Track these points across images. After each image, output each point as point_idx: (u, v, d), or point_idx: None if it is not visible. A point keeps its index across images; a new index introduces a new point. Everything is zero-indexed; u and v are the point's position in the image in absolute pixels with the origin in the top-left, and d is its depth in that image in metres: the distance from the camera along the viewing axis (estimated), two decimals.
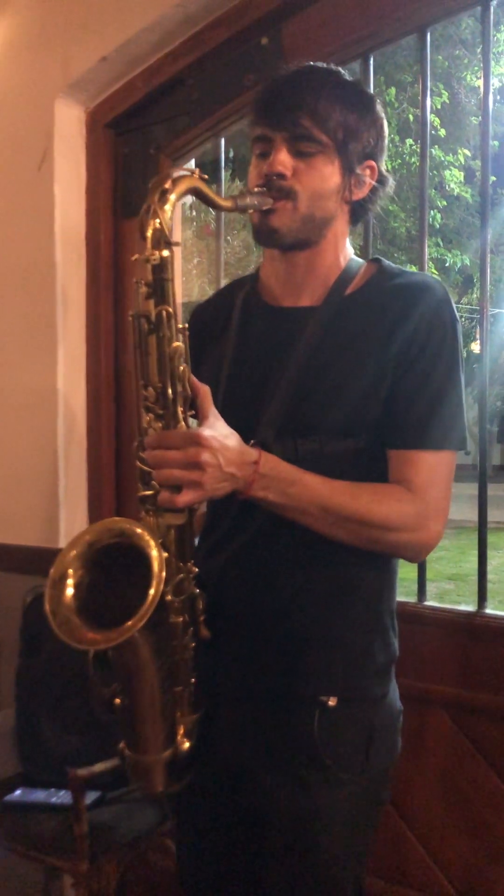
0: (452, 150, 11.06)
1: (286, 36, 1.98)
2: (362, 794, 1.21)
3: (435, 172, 10.96)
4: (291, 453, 1.16)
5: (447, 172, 10.99)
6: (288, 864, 1.19)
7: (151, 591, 1.00)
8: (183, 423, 1.08)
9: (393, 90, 9.94)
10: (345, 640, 1.20)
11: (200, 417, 1.09)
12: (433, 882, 1.79)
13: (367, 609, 1.22)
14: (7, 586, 2.30)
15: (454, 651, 1.77)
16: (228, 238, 8.31)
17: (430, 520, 1.17)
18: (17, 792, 1.95)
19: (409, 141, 10.31)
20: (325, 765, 1.17)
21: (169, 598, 1.10)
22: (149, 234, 1.06)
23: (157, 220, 1.06)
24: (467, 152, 10.97)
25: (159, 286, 1.07)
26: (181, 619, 1.13)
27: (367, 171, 1.24)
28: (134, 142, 2.28)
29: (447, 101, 10.70)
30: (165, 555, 1.10)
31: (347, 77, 1.23)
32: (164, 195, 1.07)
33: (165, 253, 1.06)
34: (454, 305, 1.22)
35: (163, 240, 1.06)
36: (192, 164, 2.38)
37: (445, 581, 8.34)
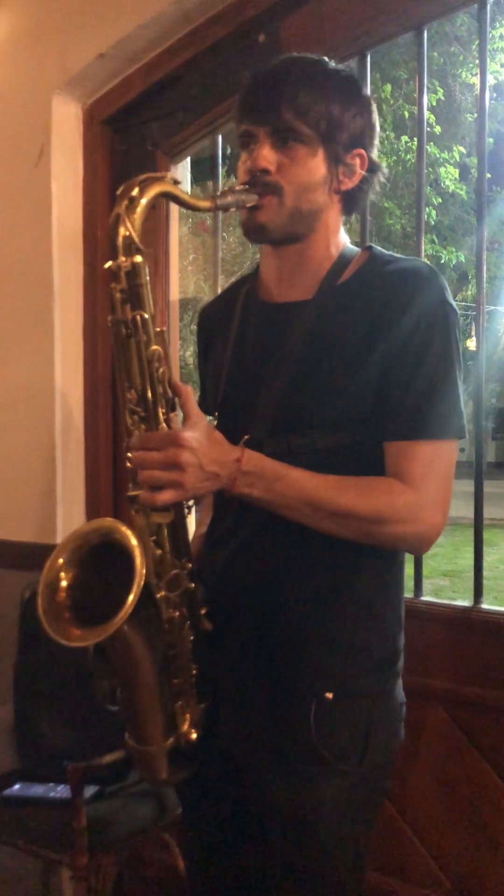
0: (448, 147, 11.07)
1: (283, 33, 1.98)
2: (361, 786, 1.21)
3: (430, 169, 10.97)
4: (285, 449, 1.16)
5: (442, 169, 11.00)
6: (289, 857, 1.20)
7: (132, 590, 1.01)
8: (164, 424, 1.10)
9: (389, 87, 9.94)
10: (341, 635, 1.19)
11: (183, 418, 1.10)
12: (429, 874, 1.80)
13: (365, 605, 1.21)
14: (5, 582, 2.31)
15: (450, 646, 1.78)
16: (224, 235, 8.30)
17: (428, 511, 1.15)
18: (16, 786, 1.96)
19: (405, 138, 10.32)
20: (323, 758, 1.17)
21: (162, 593, 1.12)
22: (119, 241, 1.07)
23: (126, 228, 1.06)
24: (462, 149, 10.97)
25: (134, 292, 1.08)
26: (177, 613, 1.14)
27: (357, 160, 1.21)
28: (131, 138, 2.29)
29: (442, 98, 10.71)
30: (159, 552, 1.12)
31: (332, 66, 1.21)
32: (132, 202, 1.07)
33: (138, 259, 1.07)
34: (447, 290, 1.19)
35: (133, 246, 1.07)
36: (188, 161, 2.39)
37: (441, 577, 8.37)
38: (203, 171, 2.78)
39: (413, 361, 1.14)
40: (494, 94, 11.83)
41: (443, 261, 11.86)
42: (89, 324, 2.31)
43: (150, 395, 1.09)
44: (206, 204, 1.14)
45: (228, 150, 2.28)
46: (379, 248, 1.26)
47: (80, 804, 1.71)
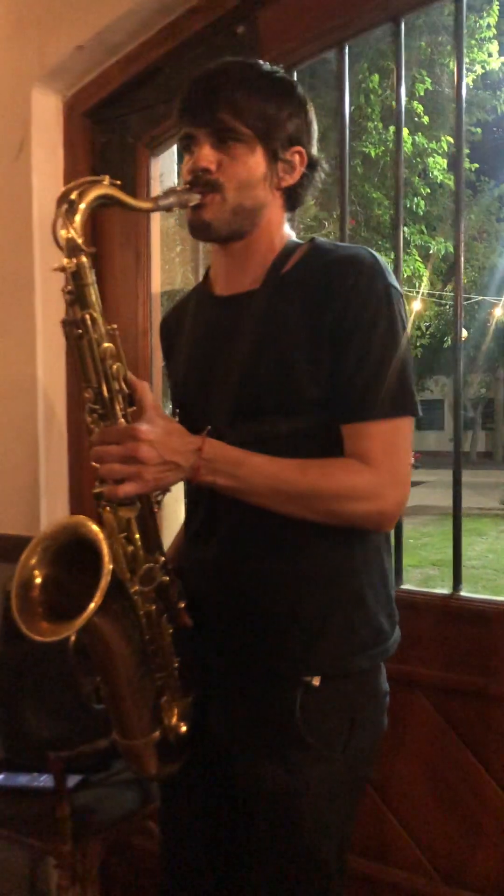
0: (436, 137, 11.06)
1: (262, 24, 1.98)
2: (345, 772, 1.23)
3: (418, 160, 10.96)
4: (248, 437, 1.18)
5: (430, 160, 11.00)
6: (273, 841, 1.22)
7: (100, 582, 1.03)
8: (122, 419, 1.12)
9: (377, 77, 9.92)
10: (323, 618, 1.21)
11: (139, 412, 1.13)
12: (413, 859, 1.83)
13: (343, 585, 1.23)
14: None
15: (431, 633, 1.80)
16: None
17: (388, 488, 1.17)
18: (0, 776, 1.97)
19: (392, 128, 10.32)
20: (308, 744, 1.19)
21: (136, 588, 1.13)
22: (63, 244, 1.10)
23: (68, 231, 1.10)
24: (451, 139, 10.97)
25: (80, 292, 1.11)
26: (153, 607, 1.16)
27: (296, 157, 1.26)
28: (111, 131, 2.28)
29: (430, 88, 10.69)
30: (130, 548, 1.14)
31: (266, 68, 1.26)
32: (72, 206, 1.10)
33: (83, 259, 1.10)
34: (390, 272, 1.22)
35: (77, 248, 1.10)
36: (174, 152, 2.38)
37: (430, 567, 8.42)
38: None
39: (361, 343, 1.17)
40: (480, 84, 11.82)
41: (431, 251, 11.87)
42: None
43: (105, 392, 1.12)
44: (147, 205, 1.20)
45: None
46: (322, 238, 1.29)
47: (63, 792, 1.73)
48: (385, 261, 1.25)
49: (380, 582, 1.26)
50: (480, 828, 1.75)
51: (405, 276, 11.73)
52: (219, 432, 1.19)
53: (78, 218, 1.09)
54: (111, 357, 1.12)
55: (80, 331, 1.11)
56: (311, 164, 1.28)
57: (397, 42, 1.87)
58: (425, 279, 12.39)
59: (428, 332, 16.26)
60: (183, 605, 1.20)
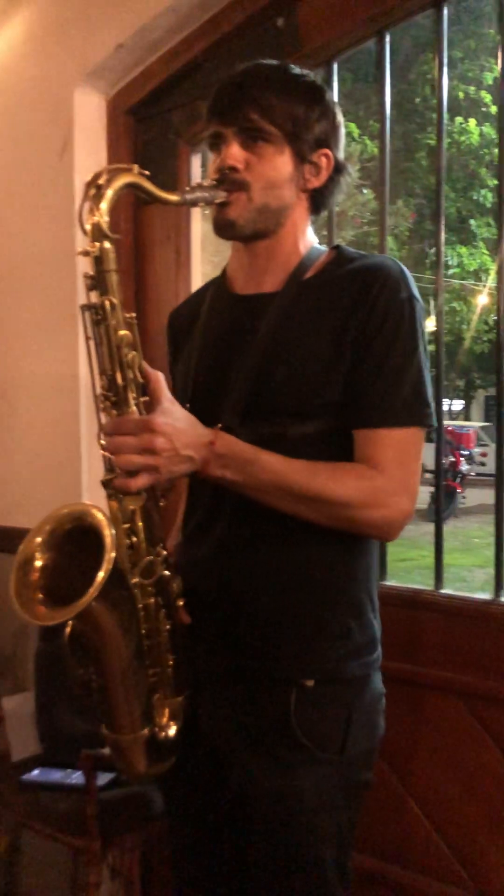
0: None
1: (301, 16, 1.96)
2: (342, 776, 1.22)
3: (486, 150, 10.74)
4: (256, 437, 1.18)
5: (497, 150, 10.74)
6: (270, 844, 1.22)
7: (102, 567, 1.03)
8: (134, 408, 1.12)
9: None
10: (320, 622, 1.21)
11: (153, 403, 1.12)
12: (449, 870, 1.78)
13: (342, 591, 1.23)
14: None
15: (470, 639, 1.74)
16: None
17: (395, 496, 1.17)
18: (35, 772, 2.01)
19: (459, 119, 10.11)
20: (303, 745, 1.19)
21: (136, 580, 1.14)
22: (88, 228, 1.10)
23: (95, 216, 1.10)
24: None
25: (101, 277, 1.11)
26: (152, 601, 1.16)
27: (323, 160, 1.26)
28: (153, 128, 2.29)
29: (498, 77, 10.43)
30: (133, 539, 1.14)
31: (296, 71, 1.27)
32: (99, 191, 1.10)
33: (107, 245, 1.10)
34: (413, 284, 1.23)
35: (101, 233, 1.10)
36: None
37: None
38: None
39: (381, 352, 1.18)
40: None
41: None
42: None
43: (119, 379, 1.11)
44: (174, 198, 1.18)
45: None
46: (346, 246, 1.31)
47: (93, 790, 1.74)
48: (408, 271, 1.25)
49: (371, 589, 1.27)
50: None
51: (471, 269, 11.51)
52: (228, 430, 1.18)
53: (104, 204, 1.10)
54: (127, 345, 1.12)
55: (98, 316, 1.11)
56: (338, 168, 1.29)
57: (439, 29, 1.81)
58: (492, 273, 12.13)
59: (494, 327, 15.91)
60: (181, 602, 1.20)
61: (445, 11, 1.81)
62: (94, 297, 1.14)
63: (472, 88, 10.33)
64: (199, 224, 2.27)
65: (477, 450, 13.80)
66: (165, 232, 2.24)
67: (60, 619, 1.04)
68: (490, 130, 10.54)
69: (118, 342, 1.11)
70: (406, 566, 7.01)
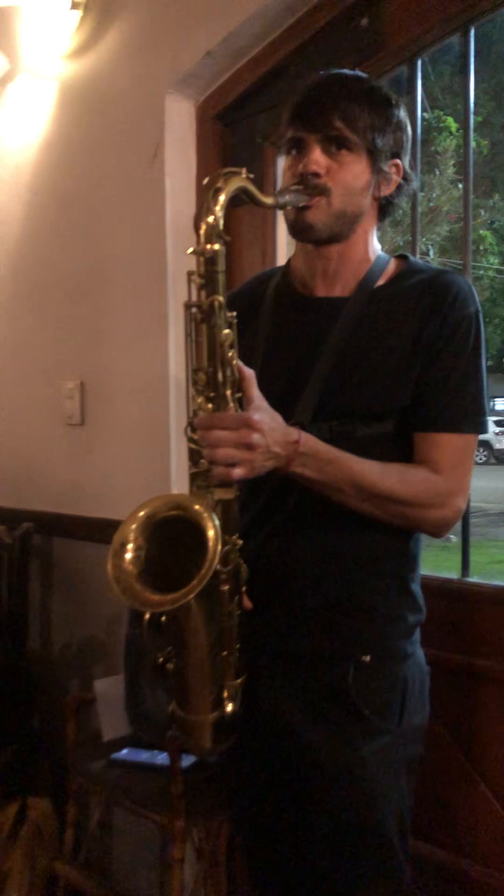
0: None
1: (386, 15, 1.97)
2: (400, 746, 1.29)
3: None
4: (326, 435, 1.24)
5: None
6: (337, 813, 1.27)
7: (208, 558, 1.08)
8: (232, 404, 1.17)
9: None
10: (377, 604, 1.29)
11: (246, 400, 1.18)
12: None
13: (396, 576, 1.32)
14: None
15: None
16: None
17: (453, 497, 1.28)
18: (124, 751, 2.09)
19: None
20: (364, 715, 1.26)
21: (217, 567, 1.17)
22: (203, 229, 1.15)
23: (211, 217, 1.15)
24: None
25: (211, 277, 1.16)
26: (228, 587, 1.21)
27: (394, 169, 1.34)
28: (241, 132, 2.34)
29: None
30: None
31: (374, 83, 1.34)
32: (216, 193, 1.16)
33: (217, 246, 1.15)
34: (477, 298, 1.32)
35: (215, 234, 1.15)
36: None
37: None
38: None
39: (449, 362, 1.27)
40: None
41: None
42: None
43: (220, 376, 1.17)
44: (269, 200, 1.24)
45: None
46: (412, 257, 1.38)
47: (178, 771, 1.81)
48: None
49: (418, 576, 1.37)
50: None
51: None
52: (300, 426, 1.23)
53: (220, 206, 1.16)
54: (228, 344, 1.18)
55: (204, 314, 1.17)
56: (406, 177, 1.36)
57: None
58: None
59: None
60: (245, 589, 1.26)
61: None
62: (196, 295, 1.18)
63: None
64: (283, 226, 2.31)
65: None
66: (253, 233, 2.29)
67: (166, 607, 1.09)
68: None
69: (222, 340, 1.17)
70: (501, 567, 6.98)
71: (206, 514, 1.12)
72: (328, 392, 1.28)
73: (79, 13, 2.49)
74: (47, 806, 2.47)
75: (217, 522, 1.12)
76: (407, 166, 1.36)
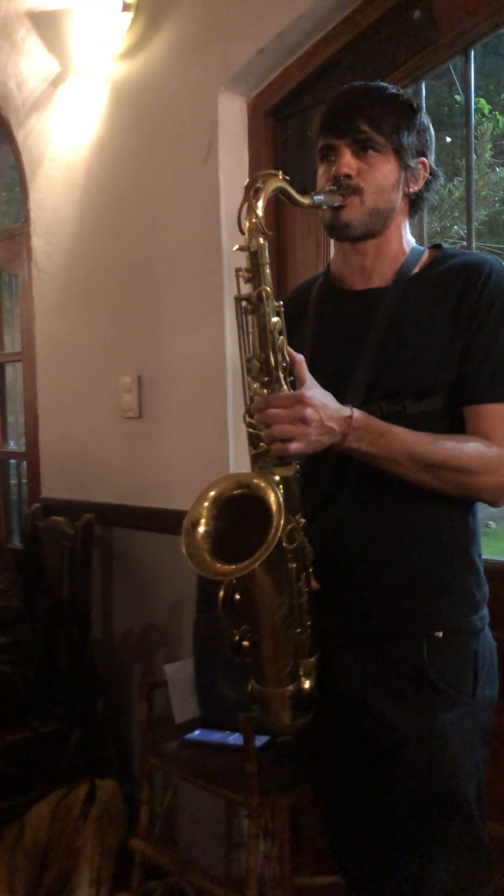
0: None
1: (438, 8, 1.99)
2: (475, 717, 1.35)
3: None
4: (378, 415, 1.30)
5: None
6: (419, 785, 1.32)
7: (273, 524, 1.15)
8: (286, 387, 1.24)
9: None
10: (445, 580, 1.35)
11: (298, 382, 1.25)
12: None
13: (462, 552, 1.37)
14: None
15: None
16: None
17: None
18: (197, 732, 2.16)
19: None
20: (440, 688, 1.31)
21: (284, 544, 1.25)
22: (247, 226, 1.24)
23: (254, 215, 1.23)
24: None
25: (257, 270, 1.24)
26: (294, 564, 1.28)
27: (420, 167, 1.43)
28: (292, 126, 2.38)
29: None
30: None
31: (395, 90, 1.43)
32: (257, 192, 1.24)
33: (261, 240, 1.23)
34: None
35: (258, 230, 1.23)
36: None
37: None
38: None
39: (490, 335, 1.33)
40: None
41: None
42: None
43: (272, 361, 1.24)
44: (306, 201, 1.33)
45: None
46: (446, 245, 1.47)
47: (251, 750, 1.87)
48: None
49: (480, 549, 1.41)
50: None
51: None
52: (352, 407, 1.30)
53: (261, 204, 1.25)
54: (277, 331, 1.25)
55: (253, 305, 1.25)
56: (433, 173, 1.45)
57: None
58: None
59: None
60: (311, 570, 1.32)
61: None
62: (245, 289, 1.27)
63: None
64: None
65: None
66: (306, 226, 2.33)
67: (235, 574, 1.17)
68: None
69: (271, 328, 1.24)
70: None
71: (268, 488, 1.20)
72: (376, 374, 1.34)
73: (130, 14, 2.54)
74: (114, 786, 2.57)
75: (279, 493, 1.19)
76: (433, 163, 1.44)
